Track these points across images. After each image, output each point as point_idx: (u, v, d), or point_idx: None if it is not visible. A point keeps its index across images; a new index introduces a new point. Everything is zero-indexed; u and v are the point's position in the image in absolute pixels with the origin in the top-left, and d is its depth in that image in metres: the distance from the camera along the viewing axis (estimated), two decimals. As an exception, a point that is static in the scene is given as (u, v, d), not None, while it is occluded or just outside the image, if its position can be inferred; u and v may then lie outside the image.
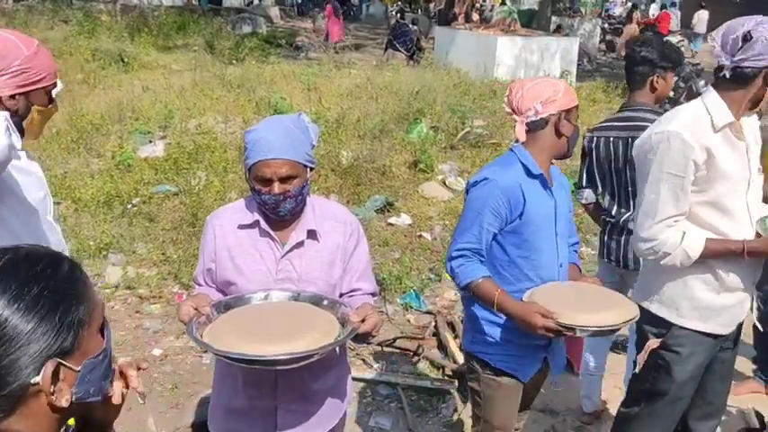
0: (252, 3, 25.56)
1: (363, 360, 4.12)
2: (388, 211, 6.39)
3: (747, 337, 3.99)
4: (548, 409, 3.81)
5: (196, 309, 1.91)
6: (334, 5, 16.89)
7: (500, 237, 2.32)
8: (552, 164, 2.45)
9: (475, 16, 18.47)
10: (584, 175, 3.34)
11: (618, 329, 2.24)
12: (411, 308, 4.80)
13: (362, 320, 1.92)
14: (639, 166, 2.39)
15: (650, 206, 2.31)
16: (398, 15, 17.91)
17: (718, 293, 2.39)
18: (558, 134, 2.32)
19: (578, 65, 14.71)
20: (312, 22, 22.60)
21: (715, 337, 2.44)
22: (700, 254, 2.28)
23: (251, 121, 8.08)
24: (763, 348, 4.05)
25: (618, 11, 28.41)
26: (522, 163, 2.31)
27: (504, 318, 2.33)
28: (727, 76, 2.24)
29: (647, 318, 2.42)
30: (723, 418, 3.73)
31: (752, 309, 2.51)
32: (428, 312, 4.73)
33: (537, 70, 13.33)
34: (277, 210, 2.02)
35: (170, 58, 12.99)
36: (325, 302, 2.01)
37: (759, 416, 3.61)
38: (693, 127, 2.26)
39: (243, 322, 1.89)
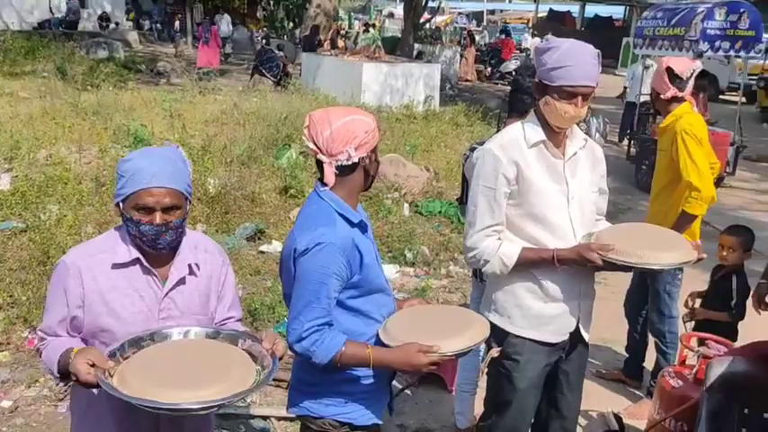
0: (108, 27, 24.45)
1: (236, 395, 3.96)
2: (259, 238, 6.27)
3: (648, 363, 4.26)
4: (422, 428, 3.85)
5: (94, 365, 1.74)
6: (206, 29, 16.54)
7: (340, 296, 2.12)
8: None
9: (341, 43, 18.74)
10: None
11: (483, 341, 2.26)
12: (284, 337, 4.69)
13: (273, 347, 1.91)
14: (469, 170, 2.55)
15: (471, 217, 2.52)
16: (264, 41, 17.80)
17: (545, 302, 2.53)
18: (367, 175, 2.19)
19: (441, 90, 15.27)
20: (174, 47, 22.00)
21: (548, 344, 2.57)
22: (515, 262, 2.45)
23: (108, 150, 7.68)
24: (633, 354, 4.36)
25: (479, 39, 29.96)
26: (340, 213, 2.11)
27: (360, 369, 2.17)
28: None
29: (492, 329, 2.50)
30: (584, 422, 3.96)
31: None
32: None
33: (402, 95, 13.71)
34: (156, 242, 1.92)
35: (17, 85, 12.12)
36: (241, 340, 1.97)
37: (618, 418, 3.84)
38: (507, 144, 2.49)
39: (156, 365, 1.79)
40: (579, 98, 2.36)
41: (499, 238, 2.50)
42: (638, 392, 4.30)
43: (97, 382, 1.72)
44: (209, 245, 2.17)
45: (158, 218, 1.90)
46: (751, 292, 3.64)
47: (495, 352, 2.49)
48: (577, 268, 2.47)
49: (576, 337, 2.62)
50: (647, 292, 4.07)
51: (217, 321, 2.14)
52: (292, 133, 8.91)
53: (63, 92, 10.88)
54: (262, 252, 6.00)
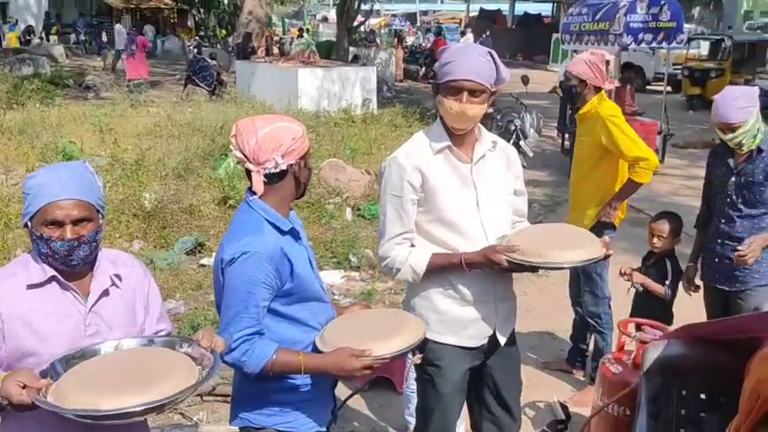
0: (30, 42, 23.60)
1: (182, 414, 3.87)
2: (200, 252, 6.14)
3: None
4: (372, 431, 3.84)
5: (25, 386, 1.64)
6: (131, 41, 16.11)
7: (272, 305, 2.09)
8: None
9: (275, 49, 18.59)
10: None
11: (419, 343, 2.22)
12: (230, 351, 4.61)
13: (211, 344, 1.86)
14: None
15: (381, 226, 2.54)
16: (196, 50, 17.50)
17: (462, 306, 2.53)
18: (298, 182, 2.17)
19: (378, 92, 15.31)
20: (102, 60, 21.40)
21: (468, 349, 2.58)
22: (425, 269, 2.46)
23: (37, 170, 7.39)
24: (576, 341, 4.45)
25: (411, 40, 30.22)
26: (270, 222, 2.10)
27: (297, 377, 2.16)
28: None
29: None
30: (532, 413, 4.02)
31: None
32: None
33: (339, 99, 13.68)
34: (70, 258, 1.85)
35: (-66, 106, 11.56)
36: (177, 345, 1.92)
37: (564, 407, 3.91)
38: (411, 151, 2.50)
39: (92, 377, 1.72)
40: (464, 93, 2.35)
41: (412, 245, 2.51)
42: (583, 380, 4.39)
43: (32, 402, 1.64)
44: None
45: (69, 232, 1.83)
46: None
47: (416, 359, 2.48)
48: (491, 271, 2.47)
49: (495, 339, 2.62)
50: None
51: (147, 335, 2.08)
52: (229, 143, 8.72)
53: (-15, 111, 10.44)
54: (203, 265, 5.88)
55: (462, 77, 2.36)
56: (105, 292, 1.95)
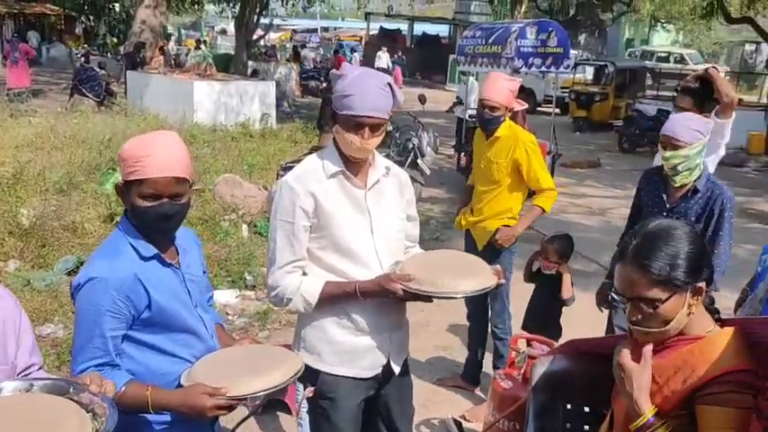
0: None
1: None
2: (82, 272, 5.78)
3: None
4: (268, 459, 3.72)
5: None
6: (14, 47, 15.11)
7: (133, 334, 1.98)
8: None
9: (162, 60, 17.94)
10: None
11: (287, 384, 2.09)
12: (114, 377, 4.36)
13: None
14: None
15: (271, 254, 2.41)
16: (84, 59, 16.67)
17: (356, 336, 2.46)
18: (132, 207, 2.00)
19: (278, 107, 15.15)
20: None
21: (362, 379, 2.51)
22: (317, 298, 2.38)
23: None
24: (472, 355, 4.52)
25: (312, 55, 30.25)
26: (132, 245, 2.00)
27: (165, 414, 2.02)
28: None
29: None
30: (427, 431, 4.03)
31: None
32: (134, 378, 4.34)
33: (237, 114, 13.41)
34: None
35: None
36: (65, 389, 1.70)
37: (458, 423, 3.95)
38: (303, 175, 2.40)
39: None
40: (366, 129, 2.28)
41: (304, 273, 2.42)
42: (476, 394, 4.46)
43: None
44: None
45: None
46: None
47: (308, 392, 2.41)
48: (386, 300, 2.41)
49: (389, 368, 2.57)
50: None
51: (19, 370, 1.89)
52: (117, 156, 8.39)
53: None
54: (85, 286, 5.55)
55: (364, 114, 2.27)
56: None
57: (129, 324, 1.97)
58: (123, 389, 1.90)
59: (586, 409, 2.57)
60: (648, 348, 1.68)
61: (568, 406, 2.62)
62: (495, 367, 4.26)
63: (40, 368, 1.99)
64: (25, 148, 8.74)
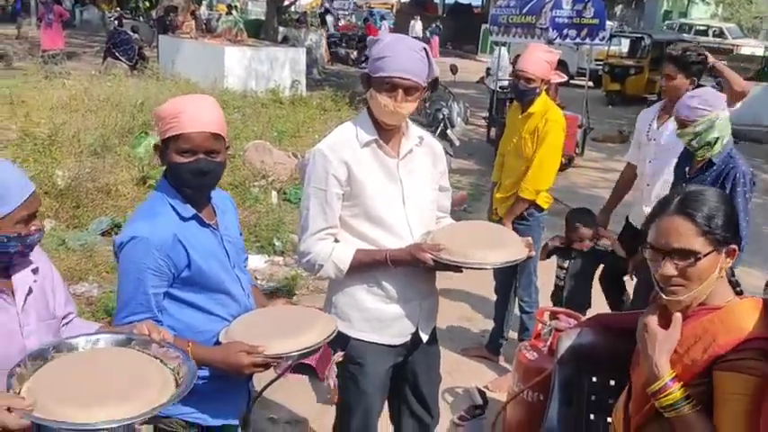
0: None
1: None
2: (116, 233, 5.90)
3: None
4: (293, 419, 3.81)
5: (10, 408, 1.51)
6: (49, 9, 15.22)
7: (174, 291, 2.06)
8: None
9: (193, 25, 17.96)
10: None
11: (321, 347, 2.15)
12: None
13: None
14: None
15: (304, 221, 2.43)
16: (117, 22, 16.76)
17: (385, 304, 2.49)
18: (169, 166, 2.06)
19: (308, 74, 15.11)
20: (17, 28, 20.30)
21: (391, 346, 2.57)
22: (348, 266, 2.40)
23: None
24: (497, 327, 4.54)
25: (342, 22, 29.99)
26: (172, 206, 2.04)
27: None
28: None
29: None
30: (451, 399, 4.08)
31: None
32: (166, 338, 4.45)
33: (267, 80, 13.43)
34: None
35: None
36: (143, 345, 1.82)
37: (481, 392, 4.00)
38: (337, 144, 2.41)
39: (66, 384, 1.62)
40: (399, 92, 2.29)
41: (335, 241, 2.44)
42: (501, 365, 4.50)
43: (30, 423, 1.53)
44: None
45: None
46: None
47: (338, 357, 2.47)
48: (416, 269, 2.44)
49: (418, 336, 2.61)
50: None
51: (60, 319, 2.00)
52: (150, 120, 8.46)
53: None
54: (119, 247, 5.67)
55: (398, 75, 2.28)
56: (30, 290, 1.84)
57: (169, 282, 2.03)
58: None
59: (612, 383, 2.59)
60: (679, 315, 1.70)
61: (594, 379, 2.64)
62: (521, 339, 4.28)
63: (75, 316, 2.08)
64: (60, 110, 8.85)
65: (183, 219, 2.05)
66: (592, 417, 2.57)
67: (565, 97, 11.76)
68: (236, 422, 2.24)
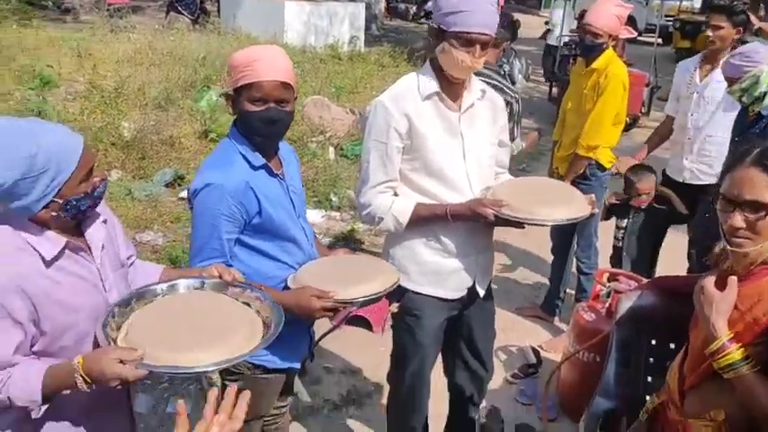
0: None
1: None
2: (179, 184, 6.07)
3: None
4: (348, 369, 3.90)
5: (122, 361, 1.56)
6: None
7: (244, 238, 2.12)
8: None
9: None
10: None
11: (385, 294, 2.18)
12: (208, 284, 4.63)
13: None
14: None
15: (364, 173, 2.43)
16: (180, -24, 16.87)
17: (443, 258, 2.50)
18: (240, 114, 2.09)
19: (367, 30, 14.97)
20: (83, -18, 20.61)
21: (447, 300, 2.56)
22: (408, 219, 2.40)
23: (12, 93, 7.20)
24: (553, 287, 4.51)
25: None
26: (243, 155, 2.09)
27: None
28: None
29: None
30: (504, 357, 4.10)
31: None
32: (226, 287, 4.58)
33: (327, 36, 13.37)
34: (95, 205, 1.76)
35: None
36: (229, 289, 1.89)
37: (536, 351, 4.00)
38: (399, 96, 2.37)
39: (162, 330, 1.68)
40: (477, 47, 2.25)
41: (394, 194, 2.44)
42: (555, 325, 4.48)
43: (145, 372, 1.58)
44: None
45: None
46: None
47: (394, 308, 2.49)
48: (474, 224, 2.43)
49: (474, 291, 2.63)
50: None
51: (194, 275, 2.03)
52: (212, 75, 8.58)
53: (-41, 30, 10.08)
54: (182, 198, 5.83)
55: (478, 31, 2.23)
56: (103, 246, 1.84)
57: (241, 229, 2.09)
58: None
59: (672, 346, 2.55)
60: (734, 278, 1.66)
61: (653, 341, 2.61)
62: (578, 300, 4.24)
63: (135, 258, 2.09)
64: (125, 63, 9.04)
65: (254, 167, 2.09)
66: (649, 379, 2.55)
67: (632, 54, 11.34)
68: (298, 366, 2.32)
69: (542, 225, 2.44)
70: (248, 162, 2.09)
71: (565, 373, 3.52)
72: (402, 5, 22.32)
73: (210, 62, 9.04)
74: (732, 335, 1.63)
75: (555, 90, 10.50)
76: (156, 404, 3.45)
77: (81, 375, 1.57)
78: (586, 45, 3.94)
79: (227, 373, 2.23)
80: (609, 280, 3.46)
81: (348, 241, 5.52)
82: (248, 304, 1.84)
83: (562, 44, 10.37)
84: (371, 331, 4.23)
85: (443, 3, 2.27)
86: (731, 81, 3.28)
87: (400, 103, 2.36)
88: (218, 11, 14.51)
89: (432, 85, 2.38)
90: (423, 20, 20.56)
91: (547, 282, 4.65)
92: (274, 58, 2.05)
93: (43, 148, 1.54)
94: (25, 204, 1.58)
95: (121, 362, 1.55)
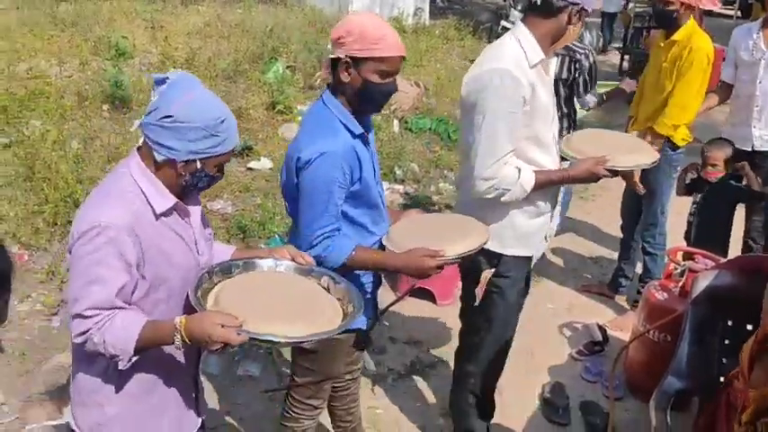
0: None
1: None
2: (248, 155, 6.19)
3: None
4: (412, 340, 3.94)
5: (223, 325, 1.63)
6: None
7: (343, 206, 2.16)
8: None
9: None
10: None
11: (482, 247, 2.23)
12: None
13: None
14: (470, 104, 2.40)
15: (489, 145, 2.34)
16: (247, -51, 16.99)
17: (533, 219, 2.57)
18: (351, 83, 2.08)
19: (432, 2, 14.80)
20: (153, -45, 20.98)
21: (529, 258, 2.66)
22: (532, 187, 2.42)
23: (89, 63, 7.45)
24: (621, 265, 4.45)
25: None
26: (342, 122, 2.11)
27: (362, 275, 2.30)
28: (538, 2, 2.36)
29: (484, 252, 2.40)
30: (569, 334, 4.07)
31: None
32: (293, 256, 4.68)
33: (392, 7, 13.27)
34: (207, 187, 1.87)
35: (-11, -6, 11.59)
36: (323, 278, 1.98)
37: (602, 329, 3.94)
38: (518, 65, 2.35)
39: (259, 302, 1.77)
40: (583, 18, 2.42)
41: (516, 166, 2.41)
42: (622, 305, 4.40)
43: (246, 338, 1.64)
44: None
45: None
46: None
47: (488, 273, 2.54)
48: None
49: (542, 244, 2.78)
50: (639, 203, 4.13)
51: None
52: (278, 47, 8.66)
53: (40, 2, 10.44)
54: (250, 169, 5.95)
55: (595, 7, 2.49)
56: (201, 213, 1.94)
57: (345, 195, 2.15)
58: (353, 252, 2.11)
59: (749, 327, 2.48)
60: None
61: (729, 322, 2.55)
62: (642, 282, 4.15)
63: (212, 235, 2.12)
64: (195, 36, 9.21)
65: (354, 135, 2.12)
66: (724, 360, 2.50)
67: (710, 27, 10.84)
68: (365, 328, 2.37)
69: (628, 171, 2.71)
70: (349, 130, 2.11)
71: (633, 353, 3.47)
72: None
73: (277, 34, 9.11)
74: None
75: (626, 63, 10.16)
76: (227, 366, 3.57)
77: (181, 334, 1.64)
78: (658, 13, 3.83)
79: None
80: (684, 258, 3.37)
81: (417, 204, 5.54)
82: (326, 288, 1.94)
83: (633, 15, 10.02)
84: (435, 303, 4.27)
85: None
86: None
87: (522, 70, 2.35)
88: (285, -17, 14.55)
89: (538, 52, 2.39)
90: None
91: (615, 260, 4.56)
92: (395, 33, 2.10)
93: (227, 121, 1.74)
94: (182, 149, 1.70)
95: (222, 327, 1.61)
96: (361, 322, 2.34)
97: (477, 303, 2.60)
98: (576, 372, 3.72)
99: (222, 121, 1.72)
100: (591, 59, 4.06)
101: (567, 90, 4.15)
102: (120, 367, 1.69)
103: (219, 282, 1.85)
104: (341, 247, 2.11)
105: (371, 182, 2.20)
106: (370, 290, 2.34)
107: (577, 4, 2.34)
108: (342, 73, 2.08)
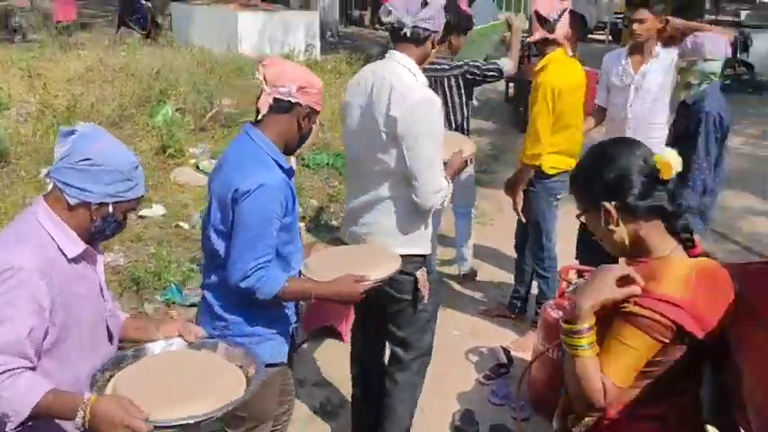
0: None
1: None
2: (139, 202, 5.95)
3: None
4: (321, 380, 3.87)
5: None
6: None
7: None
8: None
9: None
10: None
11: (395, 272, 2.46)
12: (174, 303, 4.55)
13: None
14: (409, 127, 2.55)
15: (431, 162, 2.60)
16: (129, -9, 16.59)
17: (429, 218, 2.81)
18: (299, 128, 2.25)
19: (322, 38, 14.95)
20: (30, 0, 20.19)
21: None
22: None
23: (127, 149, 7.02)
24: (518, 286, 4.56)
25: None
26: (273, 158, 2.20)
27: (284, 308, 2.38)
28: (408, 35, 2.62)
29: (409, 260, 2.66)
30: (475, 359, 4.12)
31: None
32: (192, 305, 4.50)
33: (282, 45, 13.30)
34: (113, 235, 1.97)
35: None
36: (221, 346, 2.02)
37: (506, 351, 4.02)
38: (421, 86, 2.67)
39: (151, 384, 1.76)
40: None
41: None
42: (522, 327, 4.50)
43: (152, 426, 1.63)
44: None
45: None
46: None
47: (423, 275, 2.79)
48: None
49: None
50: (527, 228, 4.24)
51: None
52: (167, 89, 8.45)
53: None
54: (142, 217, 5.72)
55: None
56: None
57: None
58: (286, 284, 2.19)
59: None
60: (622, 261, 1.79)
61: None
62: (538, 302, 4.24)
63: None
64: (77, 81, 8.86)
65: (283, 170, 2.22)
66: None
67: (584, 52, 11.52)
68: (285, 361, 2.44)
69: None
70: (279, 165, 2.20)
71: (535, 372, 3.55)
72: (357, 12, 22.34)
73: (164, 76, 8.90)
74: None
75: (511, 90, 10.59)
76: None
77: (84, 412, 1.59)
78: (532, 42, 4.00)
79: None
80: (579, 275, 3.50)
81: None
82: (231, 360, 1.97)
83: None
84: (342, 341, 4.22)
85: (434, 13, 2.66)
86: (684, 56, 3.45)
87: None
88: (170, 24, 14.30)
89: (421, 73, 2.73)
90: (377, 26, 20.61)
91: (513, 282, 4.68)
92: None
93: (139, 168, 1.87)
94: (98, 191, 1.76)
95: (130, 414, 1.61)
96: (282, 356, 2.39)
97: (425, 301, 2.78)
98: (484, 396, 3.76)
99: (136, 167, 1.84)
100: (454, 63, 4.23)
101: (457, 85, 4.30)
102: (6, 429, 1.60)
103: (113, 375, 1.82)
104: (275, 278, 2.17)
105: (296, 216, 2.30)
106: (293, 321, 2.41)
107: (437, 31, 2.68)
108: (302, 120, 2.21)
